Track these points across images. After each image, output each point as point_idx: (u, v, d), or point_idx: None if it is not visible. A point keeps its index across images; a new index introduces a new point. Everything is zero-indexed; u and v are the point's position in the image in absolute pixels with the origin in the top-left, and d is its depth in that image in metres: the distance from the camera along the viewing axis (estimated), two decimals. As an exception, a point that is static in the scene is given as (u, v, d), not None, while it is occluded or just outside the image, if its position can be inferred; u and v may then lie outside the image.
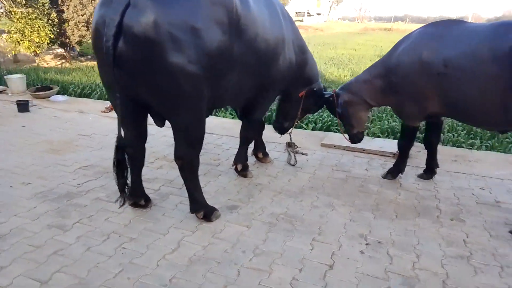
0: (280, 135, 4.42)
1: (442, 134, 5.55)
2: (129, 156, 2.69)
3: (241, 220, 2.95)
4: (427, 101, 3.32)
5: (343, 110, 3.85)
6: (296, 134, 5.28)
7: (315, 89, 3.95)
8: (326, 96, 4.01)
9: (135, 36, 2.19)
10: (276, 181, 3.73)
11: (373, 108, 4.27)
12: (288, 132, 4.25)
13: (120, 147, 2.57)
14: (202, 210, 2.84)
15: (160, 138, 4.82)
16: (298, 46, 3.60)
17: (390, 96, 3.63)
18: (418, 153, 4.59)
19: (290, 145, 4.73)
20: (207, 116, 3.20)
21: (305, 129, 5.86)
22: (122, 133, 2.52)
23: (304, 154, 4.53)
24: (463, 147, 5.16)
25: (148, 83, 2.33)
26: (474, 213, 3.21)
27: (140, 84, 2.37)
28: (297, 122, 4.22)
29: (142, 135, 2.86)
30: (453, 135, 5.58)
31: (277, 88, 3.55)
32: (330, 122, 5.99)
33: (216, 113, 6.64)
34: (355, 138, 3.96)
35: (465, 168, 4.22)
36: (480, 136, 5.62)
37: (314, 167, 4.15)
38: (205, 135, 4.72)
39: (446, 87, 3.09)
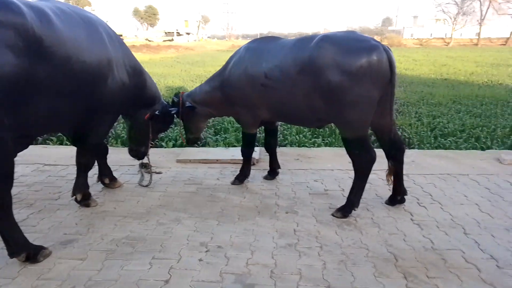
0: (139, 160, 4.29)
1: (289, 137, 6.17)
2: None
3: (76, 253, 2.75)
4: (258, 109, 3.65)
5: (185, 115, 4.05)
6: (154, 153, 5.21)
7: (157, 111, 3.92)
8: (172, 112, 4.03)
9: None
10: (123, 205, 3.60)
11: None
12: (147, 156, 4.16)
13: None
14: (23, 252, 2.54)
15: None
16: (131, 67, 3.55)
17: (229, 106, 3.89)
18: (266, 156, 4.97)
19: (144, 165, 4.63)
20: (25, 147, 2.91)
21: (165, 147, 5.82)
22: None
23: (157, 173, 4.48)
24: (307, 146, 5.79)
25: None
26: (306, 204, 3.61)
27: None
28: (152, 143, 4.15)
29: None
30: (299, 136, 6.22)
31: (110, 110, 3.43)
32: (189, 138, 6.08)
33: (67, 142, 6.12)
34: (190, 141, 4.30)
35: (305, 165, 4.73)
36: (322, 135, 6.39)
37: (166, 184, 4.13)
38: (48, 168, 4.30)
39: (269, 96, 3.45)
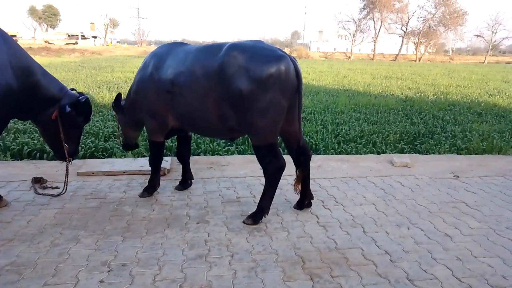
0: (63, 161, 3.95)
1: (202, 145, 6.08)
2: None
3: None
4: (164, 117, 3.52)
5: (119, 124, 4.17)
6: (50, 166, 4.71)
7: (66, 106, 3.56)
8: (82, 99, 3.67)
9: None
10: (10, 226, 3.15)
11: None
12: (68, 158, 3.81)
13: None
14: None
15: None
16: (20, 69, 3.19)
17: (138, 113, 3.70)
18: (177, 166, 4.82)
19: (37, 180, 4.13)
20: None
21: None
22: None
23: (54, 188, 4.03)
24: (220, 154, 5.77)
25: None
26: (218, 212, 3.56)
27: None
28: (65, 145, 3.71)
29: None
30: (213, 145, 6.18)
31: None
32: (94, 149, 5.63)
33: None
34: (123, 146, 4.34)
35: (217, 173, 4.70)
36: (236, 142, 6.43)
37: (64, 200, 3.73)
38: None
39: (175, 103, 3.35)
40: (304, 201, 3.61)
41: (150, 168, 3.95)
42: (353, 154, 6.04)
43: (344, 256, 2.83)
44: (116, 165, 4.75)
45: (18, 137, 6.08)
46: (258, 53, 3.03)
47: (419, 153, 6.09)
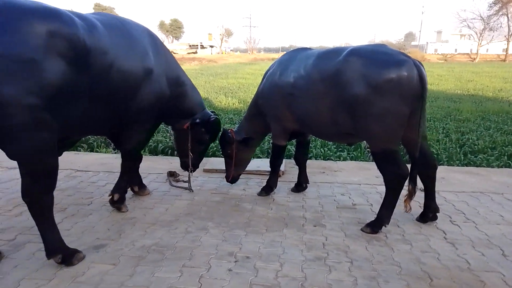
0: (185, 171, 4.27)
1: (314, 150, 6.14)
2: None
3: (108, 258, 2.79)
4: (286, 120, 3.66)
5: (239, 151, 4.06)
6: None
7: (197, 119, 3.93)
8: (212, 119, 4.02)
9: None
10: (152, 212, 3.65)
11: None
12: (190, 167, 4.12)
13: None
14: (60, 254, 2.61)
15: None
16: (173, 78, 3.62)
17: (263, 121, 3.91)
18: (291, 169, 4.97)
19: (171, 174, 4.70)
20: (66, 149, 3.04)
21: (190, 157, 5.89)
22: None
23: (185, 182, 4.53)
24: (332, 159, 5.75)
25: None
26: (334, 217, 3.56)
27: None
28: (191, 154, 4.06)
29: None
30: (324, 149, 6.19)
31: (147, 119, 3.48)
32: (215, 148, 6.15)
33: (97, 149, 6.30)
34: (234, 180, 4.23)
35: (330, 178, 4.69)
36: (347, 148, 6.34)
37: (193, 193, 4.17)
38: (79, 174, 4.42)
39: (295, 106, 3.47)
40: (428, 214, 3.38)
41: (265, 169, 4.14)
42: (483, 166, 5.40)
43: (479, 279, 2.56)
44: (235, 165, 5.10)
45: (154, 135, 6.99)
46: (377, 58, 2.96)
47: None
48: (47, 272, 2.60)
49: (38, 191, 2.46)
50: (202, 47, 71.95)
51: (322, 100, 3.20)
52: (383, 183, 3.20)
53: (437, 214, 3.38)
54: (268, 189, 4.11)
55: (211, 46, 74.45)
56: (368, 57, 2.99)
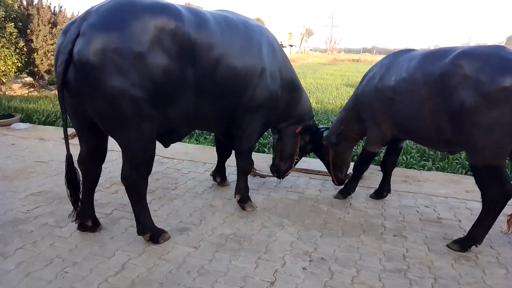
0: (278, 179, 4.26)
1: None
2: (81, 173, 2.80)
3: (190, 241, 2.98)
4: (385, 127, 3.48)
5: (336, 154, 4.04)
6: (258, 158, 5.41)
7: (310, 125, 3.96)
8: (321, 130, 4.05)
9: (80, 61, 2.31)
10: (230, 203, 3.79)
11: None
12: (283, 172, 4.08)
13: (69, 165, 2.68)
14: (148, 232, 2.85)
15: (120, 164, 4.80)
16: (287, 81, 3.59)
17: (361, 125, 3.79)
18: (371, 174, 4.78)
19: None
20: (173, 142, 3.26)
21: (267, 153, 6.00)
22: (79, 151, 2.59)
23: (262, 177, 4.63)
24: (415, 168, 5.40)
25: (91, 104, 2.42)
26: (417, 230, 3.36)
27: (86, 105, 2.45)
28: (297, 159, 4.07)
29: (98, 155, 2.92)
30: (406, 157, 5.84)
31: (257, 118, 3.41)
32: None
33: (182, 140, 6.71)
34: (343, 181, 4.13)
35: (414, 188, 4.42)
36: (432, 158, 5.91)
37: (269, 189, 4.25)
38: (166, 160, 4.74)
39: (394, 110, 3.29)
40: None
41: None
42: None
43: None
44: (312, 165, 5.08)
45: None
46: (493, 62, 2.65)
47: None
48: (138, 246, 2.86)
49: (136, 176, 2.71)
50: (282, 46, 72.59)
51: (423, 105, 3.00)
52: (474, 199, 2.94)
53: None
54: (345, 193, 4.01)
55: (291, 46, 74.58)
56: (481, 61, 2.68)
